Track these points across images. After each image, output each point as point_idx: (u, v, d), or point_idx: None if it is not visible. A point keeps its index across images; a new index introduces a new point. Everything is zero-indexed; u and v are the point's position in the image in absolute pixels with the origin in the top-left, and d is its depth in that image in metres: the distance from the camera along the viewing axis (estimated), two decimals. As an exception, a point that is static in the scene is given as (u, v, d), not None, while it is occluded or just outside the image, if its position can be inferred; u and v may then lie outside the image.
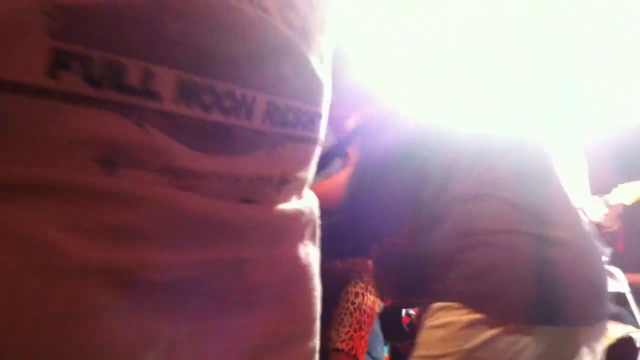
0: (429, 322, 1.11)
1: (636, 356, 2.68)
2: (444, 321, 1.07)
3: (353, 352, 1.62)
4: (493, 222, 1.08)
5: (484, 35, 1.44)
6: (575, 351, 1.05)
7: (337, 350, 1.60)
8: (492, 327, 1.02)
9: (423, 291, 1.16)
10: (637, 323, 2.66)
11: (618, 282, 2.55)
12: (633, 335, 2.70)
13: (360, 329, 1.67)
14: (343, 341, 1.62)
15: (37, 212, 0.40)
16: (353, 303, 1.70)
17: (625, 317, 2.65)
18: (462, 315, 1.05)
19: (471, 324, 1.03)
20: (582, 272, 1.07)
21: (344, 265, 1.80)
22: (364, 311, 1.69)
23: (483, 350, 1.02)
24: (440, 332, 1.08)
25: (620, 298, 2.59)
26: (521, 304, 1.02)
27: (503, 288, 1.03)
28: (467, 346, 1.03)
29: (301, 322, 0.59)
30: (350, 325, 1.66)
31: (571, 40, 2.75)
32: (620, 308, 2.59)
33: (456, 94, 1.26)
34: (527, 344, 1.01)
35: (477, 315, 1.03)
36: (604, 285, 1.12)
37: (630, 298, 2.69)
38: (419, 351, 1.11)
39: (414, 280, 1.20)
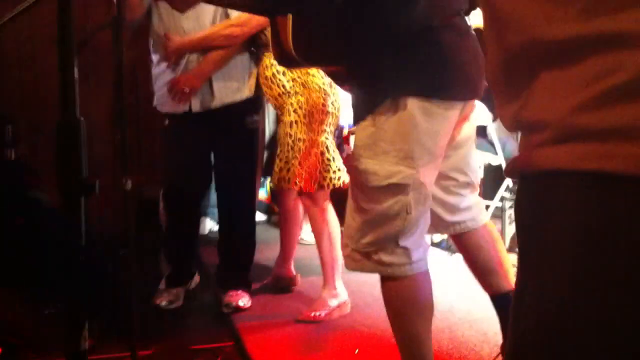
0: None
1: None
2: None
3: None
4: None
5: None
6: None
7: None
8: None
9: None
10: (495, 151, 2.95)
11: (481, 116, 2.75)
12: (492, 163, 2.98)
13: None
14: None
15: None
16: None
17: (484, 146, 2.90)
18: None
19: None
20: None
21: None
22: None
23: None
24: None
25: (480, 130, 2.82)
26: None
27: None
28: None
29: None
30: None
31: None
32: (480, 139, 2.83)
33: None
34: None
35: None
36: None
37: (491, 130, 2.94)
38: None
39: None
